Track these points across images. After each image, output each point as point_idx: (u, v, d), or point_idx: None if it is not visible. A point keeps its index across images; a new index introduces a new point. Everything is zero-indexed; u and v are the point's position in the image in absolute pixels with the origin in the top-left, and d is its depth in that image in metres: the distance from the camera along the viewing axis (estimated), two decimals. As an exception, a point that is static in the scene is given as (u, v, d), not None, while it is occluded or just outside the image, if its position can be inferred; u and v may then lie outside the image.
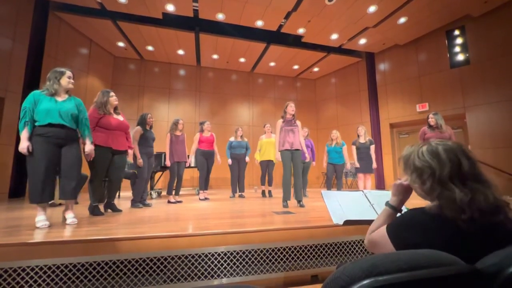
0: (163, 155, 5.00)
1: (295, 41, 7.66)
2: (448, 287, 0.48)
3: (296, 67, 9.03)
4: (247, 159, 5.24)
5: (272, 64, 8.79)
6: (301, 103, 9.64)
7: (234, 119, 8.97)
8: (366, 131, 5.03)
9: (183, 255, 1.82)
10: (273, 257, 2.00)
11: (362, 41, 7.36)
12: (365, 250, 2.26)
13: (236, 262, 1.92)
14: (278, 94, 9.66)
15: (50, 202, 3.51)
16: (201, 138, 4.71)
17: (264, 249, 1.99)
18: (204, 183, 4.73)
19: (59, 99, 2.35)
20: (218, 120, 8.70)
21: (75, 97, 2.50)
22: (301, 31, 6.87)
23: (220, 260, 1.89)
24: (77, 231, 2.06)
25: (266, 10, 5.96)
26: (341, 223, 1.41)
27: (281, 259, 2.02)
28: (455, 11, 6.09)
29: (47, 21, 5.80)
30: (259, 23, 6.51)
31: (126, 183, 6.04)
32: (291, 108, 3.73)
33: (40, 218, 2.18)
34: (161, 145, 5.08)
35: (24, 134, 2.16)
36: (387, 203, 0.94)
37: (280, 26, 6.76)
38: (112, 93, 3.04)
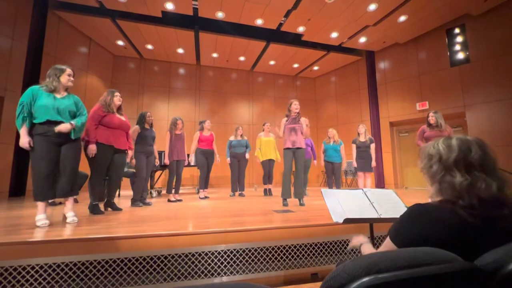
0: (162, 153, 5.00)
1: (295, 40, 7.64)
2: (447, 285, 0.49)
3: (296, 65, 9.01)
4: (247, 155, 5.25)
5: (272, 62, 8.78)
6: (301, 102, 9.51)
7: (234, 118, 8.97)
8: (367, 129, 5.02)
9: (183, 254, 1.82)
10: (273, 255, 2.01)
11: (362, 39, 7.35)
12: (365, 248, 2.26)
13: (236, 260, 1.92)
14: (278, 93, 9.65)
15: (50, 201, 3.53)
16: (201, 137, 4.71)
17: (264, 247, 2.00)
18: (204, 182, 4.73)
19: (58, 96, 2.35)
20: (218, 119, 8.69)
21: (73, 95, 2.50)
22: (301, 29, 6.85)
23: (220, 258, 1.89)
24: (78, 229, 2.06)
25: (266, 8, 5.94)
26: (341, 221, 1.41)
27: (281, 257, 2.02)
28: (455, 10, 6.07)
29: (46, 19, 5.79)
30: (259, 22, 6.50)
31: (126, 182, 6.07)
32: (295, 106, 3.70)
33: (40, 217, 2.19)
34: (160, 144, 5.08)
35: (23, 130, 2.17)
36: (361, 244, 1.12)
37: (280, 25, 6.75)
38: (117, 93, 3.08)
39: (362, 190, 1.68)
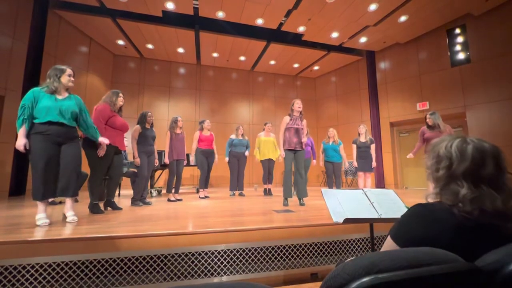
0: (162, 153, 5.00)
1: (295, 40, 7.63)
2: (448, 285, 0.49)
3: (296, 65, 9.01)
4: (246, 153, 5.24)
5: (272, 62, 8.77)
6: (301, 102, 9.61)
7: (234, 118, 8.96)
8: (367, 129, 5.02)
9: (183, 253, 1.82)
10: (273, 255, 2.01)
11: (363, 39, 7.34)
12: (365, 248, 2.27)
13: (236, 260, 1.92)
14: (278, 93, 9.65)
15: (50, 200, 3.53)
16: (201, 137, 4.71)
17: (264, 247, 2.00)
18: (204, 182, 4.73)
19: (59, 97, 2.35)
20: (218, 119, 8.69)
21: (75, 95, 2.50)
22: (301, 29, 6.85)
23: (220, 258, 1.89)
24: (78, 229, 2.06)
25: (266, 8, 5.94)
26: (341, 221, 1.41)
27: (281, 257, 2.02)
28: (456, 10, 6.06)
29: (46, 19, 5.79)
30: (259, 21, 6.49)
31: (126, 181, 6.06)
32: (297, 105, 3.68)
33: (40, 216, 2.19)
34: (161, 143, 5.08)
35: (22, 132, 2.16)
36: None
37: (281, 24, 6.74)
38: (121, 94, 3.12)
39: (362, 190, 1.68)
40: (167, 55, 8.22)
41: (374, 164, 4.76)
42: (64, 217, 2.40)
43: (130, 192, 4.47)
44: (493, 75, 5.88)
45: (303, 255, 2.08)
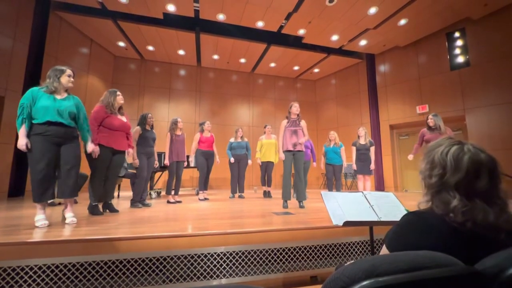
0: (162, 155, 5.00)
1: (295, 42, 7.66)
2: (447, 289, 0.49)
3: (296, 68, 9.04)
4: (249, 162, 5.24)
5: (272, 64, 8.80)
6: (301, 104, 9.51)
7: (234, 120, 8.97)
8: (367, 132, 5.03)
9: (182, 255, 1.82)
10: (272, 257, 2.00)
11: (363, 42, 7.37)
12: (365, 251, 2.26)
13: (235, 262, 1.92)
14: (278, 95, 9.67)
15: (49, 201, 3.52)
16: (201, 138, 4.71)
17: (264, 249, 1.99)
18: (204, 184, 4.73)
19: (58, 97, 2.34)
20: (218, 121, 8.70)
21: (73, 96, 2.50)
22: (301, 32, 6.88)
23: (220, 260, 1.89)
24: (77, 230, 2.06)
25: (267, 10, 5.97)
26: (341, 224, 1.41)
27: (281, 260, 2.02)
28: (456, 14, 6.10)
29: (47, 20, 5.80)
30: (260, 24, 6.52)
31: (126, 182, 6.05)
32: (295, 108, 3.72)
33: (40, 217, 2.18)
34: (161, 145, 5.08)
35: (22, 131, 2.16)
36: None
37: (281, 27, 6.77)
38: (119, 93, 3.09)
39: (362, 193, 1.68)
40: (167, 57, 8.25)
41: (372, 166, 4.76)
42: (64, 218, 2.40)
43: (130, 193, 4.47)
44: (493, 78, 5.90)
45: (302, 258, 2.07)
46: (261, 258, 1.97)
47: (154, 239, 1.83)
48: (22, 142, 2.14)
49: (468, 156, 0.69)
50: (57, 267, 1.61)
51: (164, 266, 1.77)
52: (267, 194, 5.31)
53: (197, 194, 5.36)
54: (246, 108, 9.24)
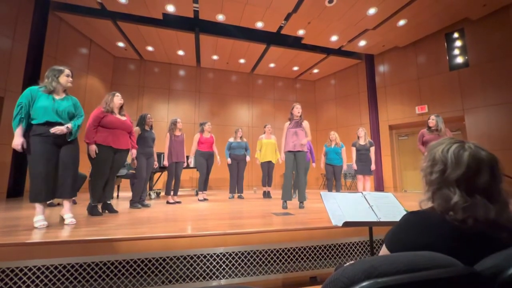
0: (162, 155, 4.99)
1: (295, 43, 7.67)
2: (447, 289, 0.49)
3: (295, 68, 9.05)
4: (247, 158, 5.24)
5: (272, 65, 8.81)
6: (301, 105, 9.59)
7: (233, 120, 8.97)
8: (366, 132, 5.03)
9: (181, 256, 1.81)
10: (272, 258, 2.00)
11: (362, 43, 7.38)
12: (364, 251, 2.26)
13: (235, 263, 1.91)
14: (277, 95, 9.68)
15: (48, 202, 3.51)
16: (201, 139, 4.71)
17: (263, 250, 1.99)
18: (204, 184, 4.72)
19: (57, 97, 2.34)
20: (218, 121, 8.70)
21: (72, 96, 2.49)
22: (301, 32, 6.89)
23: (219, 261, 1.88)
24: (76, 231, 2.05)
25: (266, 11, 5.98)
26: (340, 224, 1.41)
27: (280, 260, 2.02)
28: (454, 14, 6.11)
29: (47, 20, 5.80)
30: (259, 24, 6.53)
31: (125, 183, 6.04)
32: (296, 110, 3.75)
33: (39, 218, 2.18)
34: (160, 145, 5.07)
35: (19, 131, 2.17)
36: None
37: (280, 28, 6.78)
38: (117, 94, 3.10)
39: (362, 193, 1.68)
40: (167, 57, 8.25)
41: (373, 167, 4.76)
42: (62, 219, 2.39)
43: (129, 194, 4.46)
44: (491, 79, 5.92)
45: (302, 259, 2.07)
46: (260, 259, 1.97)
47: (153, 240, 1.83)
48: (18, 142, 2.14)
49: (468, 153, 0.70)
50: (56, 268, 1.60)
51: (164, 267, 1.77)
52: (266, 195, 5.31)
53: (197, 194, 5.36)
54: (246, 109, 9.25)
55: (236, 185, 5.23)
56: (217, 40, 7.29)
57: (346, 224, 1.42)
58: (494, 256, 0.55)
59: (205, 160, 4.71)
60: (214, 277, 1.85)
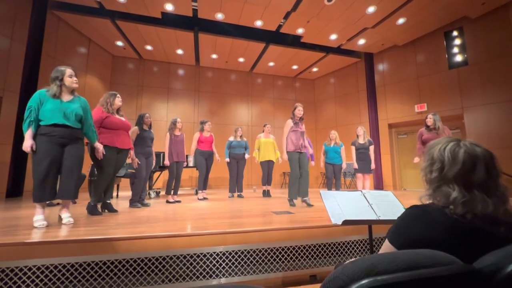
0: (161, 154, 4.99)
1: (294, 41, 7.66)
2: (446, 287, 0.49)
3: (295, 67, 9.04)
4: (246, 155, 5.24)
5: (271, 64, 8.80)
6: (300, 103, 9.64)
7: (233, 119, 8.97)
8: (366, 131, 5.04)
9: (181, 255, 1.81)
10: (271, 257, 2.00)
11: (361, 41, 7.38)
12: (364, 249, 2.27)
13: (234, 262, 1.92)
14: (277, 94, 9.67)
15: (48, 202, 3.51)
16: (201, 138, 4.70)
17: (263, 249, 1.99)
18: (203, 183, 4.72)
19: (64, 99, 2.36)
20: (217, 120, 8.69)
21: (80, 97, 2.52)
22: (300, 31, 6.88)
23: (219, 260, 1.89)
24: (76, 230, 2.05)
25: (265, 10, 5.96)
26: (340, 223, 1.41)
27: (280, 259, 2.02)
28: (454, 13, 6.11)
29: (45, 20, 5.78)
30: (258, 23, 6.51)
31: (125, 182, 6.04)
32: (299, 111, 3.77)
33: (38, 218, 2.18)
34: (160, 145, 5.07)
35: (29, 133, 2.18)
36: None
37: (279, 26, 6.77)
38: (118, 95, 3.13)
39: (361, 191, 1.68)
40: (166, 56, 8.23)
41: (373, 165, 4.77)
42: (60, 218, 2.39)
43: (129, 193, 4.46)
44: (491, 77, 5.92)
45: (301, 257, 2.07)
46: (260, 258, 1.98)
47: (153, 239, 1.83)
48: (28, 144, 2.15)
49: (463, 150, 0.73)
50: (56, 267, 1.60)
51: (163, 266, 1.77)
52: (266, 194, 5.31)
53: (196, 193, 5.36)
54: (245, 108, 9.24)
55: (235, 184, 5.23)
56: (216, 39, 7.28)
57: (346, 222, 1.42)
58: (493, 254, 0.55)
59: (205, 159, 4.71)
60: (214, 276, 1.85)
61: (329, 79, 9.57)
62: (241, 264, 1.93)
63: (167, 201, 4.19)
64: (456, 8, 5.89)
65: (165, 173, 6.34)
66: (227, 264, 1.90)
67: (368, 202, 1.59)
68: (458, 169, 0.72)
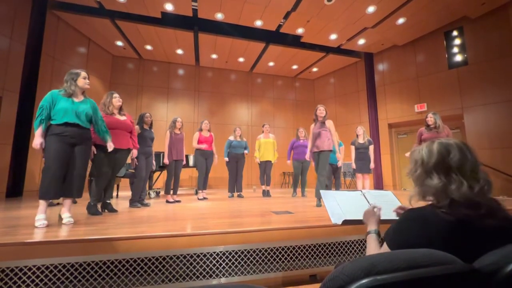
0: (161, 154, 4.98)
1: (294, 41, 7.66)
2: (446, 286, 0.49)
3: (295, 67, 9.04)
4: (246, 151, 5.24)
5: (271, 64, 8.80)
6: (300, 103, 9.66)
7: (232, 119, 8.97)
8: (365, 131, 5.03)
9: (181, 255, 1.81)
10: (271, 256, 2.00)
11: (361, 41, 7.38)
12: (364, 249, 2.27)
13: (234, 261, 1.92)
14: (277, 94, 9.67)
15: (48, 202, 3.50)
16: (201, 138, 4.70)
17: (263, 248, 1.99)
18: (203, 183, 4.72)
19: (76, 99, 2.44)
20: (217, 120, 8.69)
21: (90, 99, 2.61)
22: (300, 31, 6.88)
23: (219, 259, 1.89)
24: (76, 230, 2.05)
25: (265, 10, 5.96)
26: (340, 222, 1.42)
27: (280, 259, 2.02)
28: (453, 13, 6.11)
29: (45, 19, 5.77)
30: (258, 23, 6.51)
31: (125, 182, 6.04)
32: (319, 111, 3.84)
33: (40, 217, 2.18)
34: (159, 144, 5.07)
35: (39, 132, 2.25)
36: (369, 232, 1.04)
37: (279, 26, 6.77)
38: (115, 94, 3.15)
39: (361, 191, 1.68)
40: (166, 56, 8.23)
41: (372, 165, 4.77)
42: (60, 218, 2.39)
43: (129, 193, 4.46)
44: (490, 77, 5.92)
45: (301, 257, 2.07)
46: (260, 257, 1.98)
47: (153, 239, 1.83)
48: (37, 142, 2.23)
49: (437, 143, 0.82)
50: (56, 267, 1.60)
51: (163, 266, 1.77)
52: (266, 193, 5.31)
53: (196, 193, 5.36)
54: (245, 108, 9.24)
55: (235, 184, 5.23)
56: (216, 39, 7.28)
57: (346, 222, 1.42)
58: (493, 253, 0.55)
59: (205, 159, 4.71)
60: (214, 275, 1.85)
61: (329, 79, 9.57)
62: (241, 264, 1.93)
63: (167, 201, 4.19)
64: (456, 8, 5.89)
65: (165, 173, 6.34)
66: (227, 264, 1.90)
67: (368, 202, 1.59)
68: (436, 159, 0.78)
